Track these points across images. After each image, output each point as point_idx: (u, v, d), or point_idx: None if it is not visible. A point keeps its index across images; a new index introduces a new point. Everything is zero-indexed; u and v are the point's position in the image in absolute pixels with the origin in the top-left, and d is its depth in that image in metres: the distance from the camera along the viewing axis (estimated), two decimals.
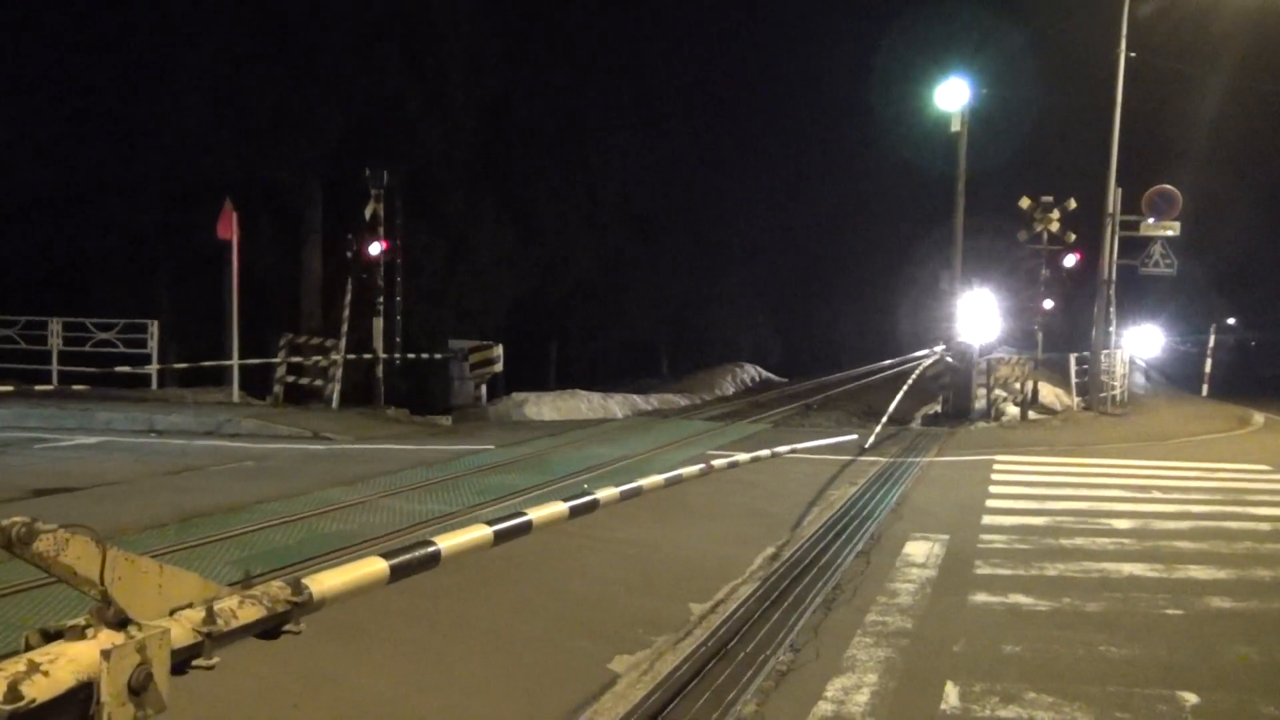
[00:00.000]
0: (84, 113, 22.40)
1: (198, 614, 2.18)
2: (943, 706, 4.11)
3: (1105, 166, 17.88)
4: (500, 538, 3.60)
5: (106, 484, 8.87)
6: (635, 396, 26.82)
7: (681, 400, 28.55)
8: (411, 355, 19.06)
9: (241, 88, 22.41)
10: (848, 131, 51.74)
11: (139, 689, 1.95)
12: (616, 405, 24.49)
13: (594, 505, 4.59)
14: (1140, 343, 32.40)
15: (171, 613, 2.15)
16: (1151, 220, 17.85)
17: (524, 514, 3.92)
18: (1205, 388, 26.66)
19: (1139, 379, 27.89)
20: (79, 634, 1.93)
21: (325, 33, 23.27)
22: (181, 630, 2.12)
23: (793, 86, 53.32)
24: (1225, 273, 53.24)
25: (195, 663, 2.17)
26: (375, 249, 17.21)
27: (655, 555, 6.73)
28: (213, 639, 2.18)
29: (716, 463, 8.89)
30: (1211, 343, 27.54)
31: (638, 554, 6.72)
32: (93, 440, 11.99)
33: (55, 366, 16.38)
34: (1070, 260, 20.88)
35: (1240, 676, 4.53)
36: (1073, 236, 20.53)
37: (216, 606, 2.23)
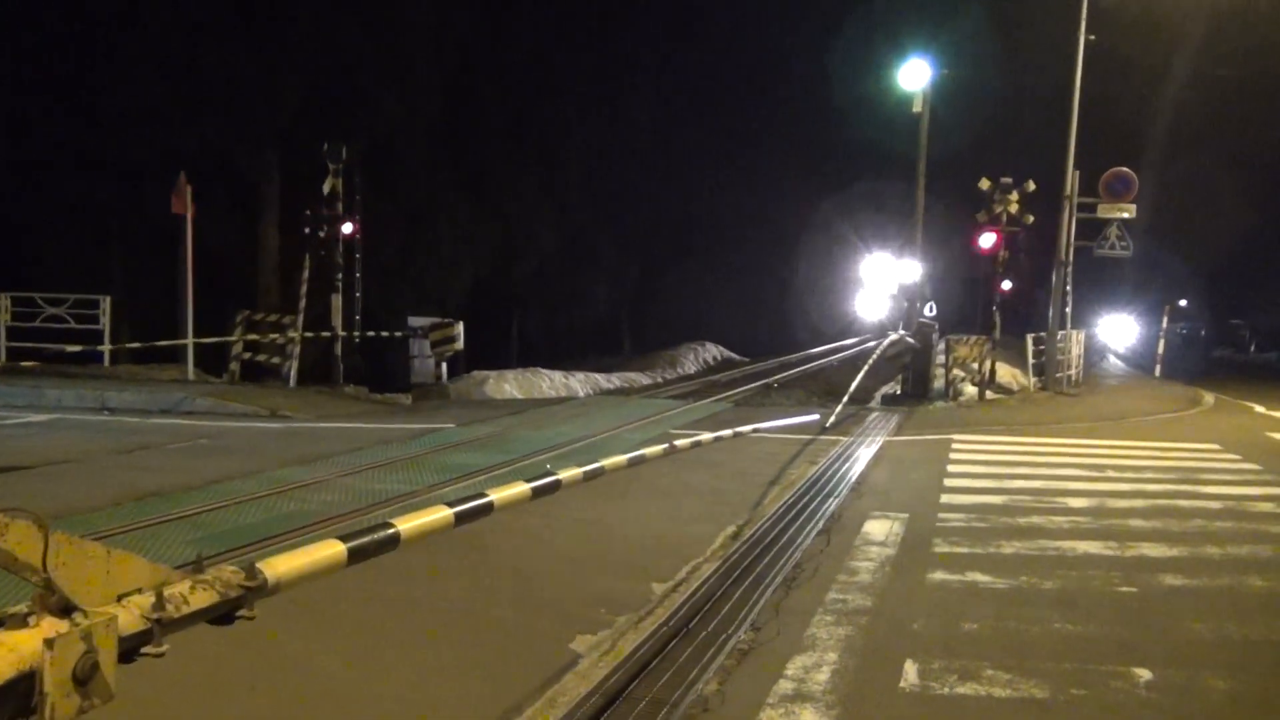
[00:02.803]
0: (34, 83, 21.83)
1: (147, 600, 2.11)
2: (902, 684, 4.14)
3: (1064, 149, 18.05)
4: (461, 519, 3.55)
5: (57, 463, 8.69)
6: (597, 375, 26.78)
7: (643, 379, 28.58)
8: (371, 333, 18.86)
9: (196, 58, 21.93)
10: (810, 113, 51.73)
11: (84, 678, 1.88)
12: (578, 383, 24.45)
13: (556, 485, 4.55)
14: (1114, 331, 32.77)
15: (119, 599, 2.09)
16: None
17: (485, 495, 3.87)
18: (1158, 369, 27.17)
19: (1109, 363, 28.03)
20: (20, 622, 1.86)
21: (284, 2, 22.81)
22: (129, 617, 2.06)
23: (755, 66, 53.13)
24: (1196, 260, 54.12)
25: (144, 650, 2.11)
26: (347, 228, 16.99)
27: (617, 535, 6.72)
28: (162, 625, 2.12)
29: (679, 442, 8.88)
30: (1164, 323, 28.04)
31: (599, 533, 6.71)
32: (43, 418, 11.74)
33: (4, 343, 16.01)
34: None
35: (1191, 652, 4.61)
36: (1031, 218, 20.72)
37: (166, 592, 2.17)
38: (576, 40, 36.75)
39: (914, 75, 19.13)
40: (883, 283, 36.81)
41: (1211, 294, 56.51)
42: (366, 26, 24.75)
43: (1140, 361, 32.83)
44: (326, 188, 16.92)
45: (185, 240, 15.83)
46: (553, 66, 35.07)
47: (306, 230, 17.34)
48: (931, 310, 20.09)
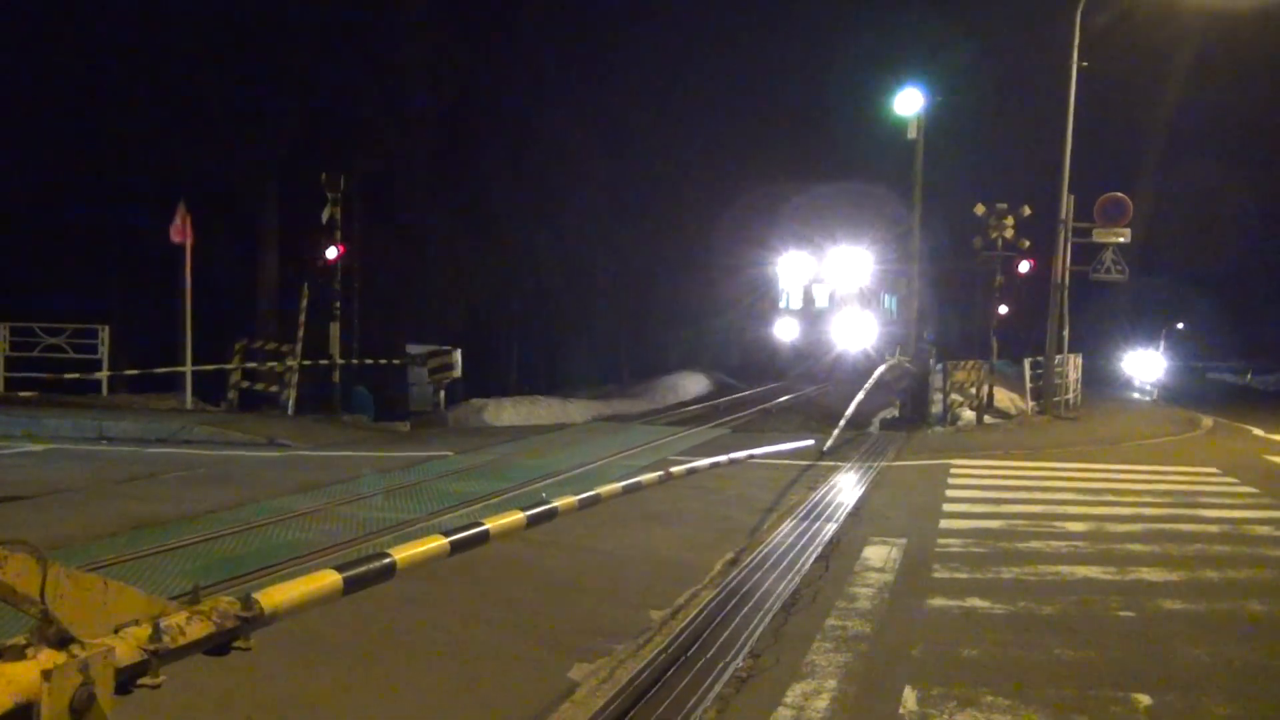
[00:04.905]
0: (33, 112, 21.96)
1: (143, 631, 2.12)
2: (901, 711, 4.12)
3: (1059, 174, 18.15)
4: (457, 548, 3.56)
5: (55, 492, 8.67)
6: (595, 402, 26.78)
7: (641, 405, 28.54)
8: (369, 360, 18.87)
9: (196, 88, 22.08)
10: (808, 139, 52.00)
11: (81, 710, 1.89)
12: (576, 411, 24.43)
13: (552, 514, 4.56)
14: (1141, 365, 32.19)
15: (116, 630, 2.09)
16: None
17: (481, 523, 3.88)
18: (1155, 392, 27.22)
19: (1136, 395, 27.57)
20: (18, 654, 1.87)
21: (282, 32, 23.00)
22: (126, 648, 2.06)
23: (753, 95, 53.58)
24: (1197, 280, 54.34)
25: (141, 681, 2.11)
26: (331, 253, 17.00)
27: (615, 562, 6.70)
28: (159, 657, 2.12)
29: (676, 469, 8.87)
30: (1161, 347, 28.18)
31: (597, 561, 6.70)
32: (41, 448, 11.72)
33: (1, 373, 16.00)
34: (1024, 267, 20.93)
35: (1191, 677, 4.60)
36: (1027, 243, 20.82)
37: (163, 623, 2.17)
38: (573, 69, 37.03)
39: (908, 102, 19.25)
40: (804, 282, 29.83)
41: (1210, 315, 56.66)
42: (365, 57, 24.95)
43: (1166, 395, 32.11)
44: (325, 216, 16.97)
45: (184, 268, 15.87)
46: (549, 95, 35.31)
47: (305, 258, 17.39)
48: (928, 335, 20.10)
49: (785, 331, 30.79)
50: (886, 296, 29.53)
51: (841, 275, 23.07)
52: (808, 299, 28.40)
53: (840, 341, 23.10)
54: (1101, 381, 32.27)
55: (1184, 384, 35.35)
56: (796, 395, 26.81)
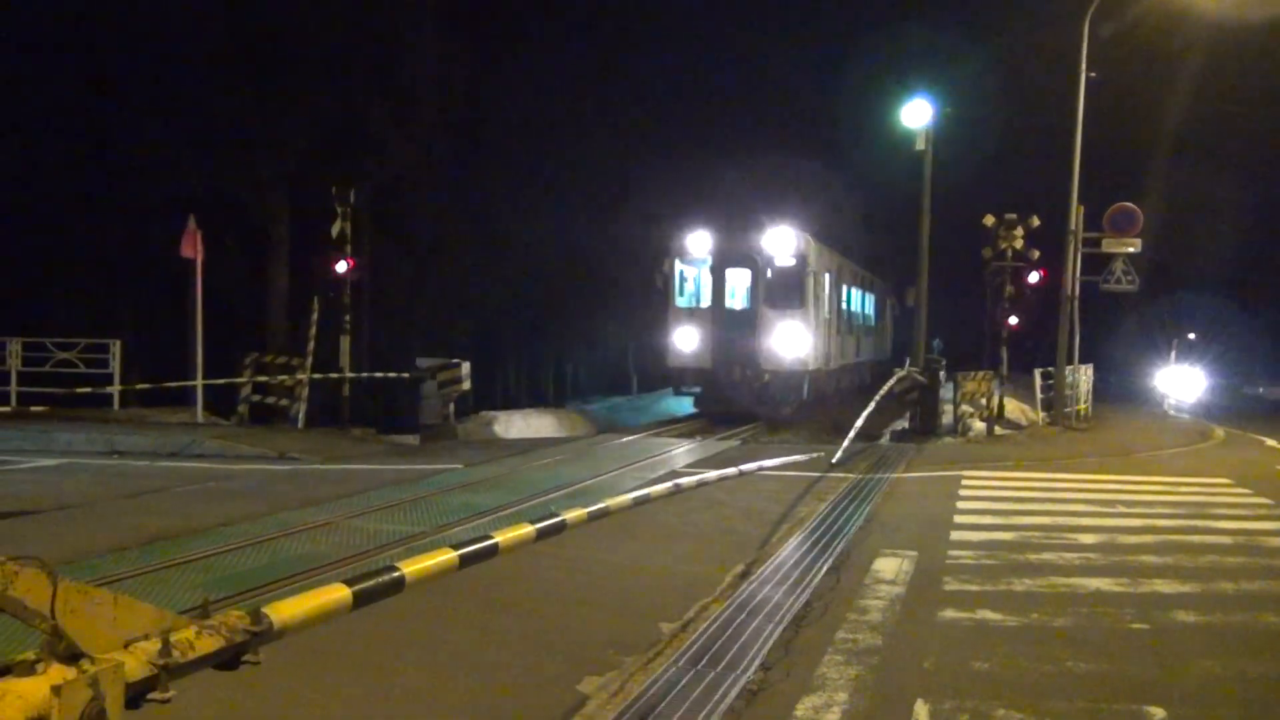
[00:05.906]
0: (45, 127, 22.13)
1: (153, 646, 2.12)
2: None
3: (1068, 185, 18.11)
4: (466, 561, 3.56)
5: (66, 507, 8.70)
6: (605, 413, 26.74)
7: (651, 417, 28.51)
8: (379, 374, 18.90)
9: (206, 103, 22.23)
10: (816, 148, 52.05)
11: None
12: (585, 423, 24.43)
13: (561, 527, 4.56)
14: (1177, 382, 31.13)
15: (126, 645, 2.10)
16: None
17: (490, 537, 3.88)
18: (1167, 403, 27.08)
19: (1172, 412, 26.99)
20: (28, 669, 1.87)
21: (291, 47, 23.15)
22: (136, 663, 2.07)
23: (761, 106, 53.63)
24: (1208, 288, 53.91)
25: (150, 696, 2.12)
26: (341, 267, 17.06)
27: (625, 575, 6.69)
28: (169, 671, 2.13)
29: (684, 481, 8.87)
30: (1173, 358, 28.02)
31: (607, 574, 6.68)
32: (53, 462, 11.76)
33: (14, 387, 16.09)
34: (1036, 277, 20.89)
35: (1205, 690, 4.56)
36: (1037, 254, 20.77)
37: (173, 638, 2.18)
38: (582, 79, 37.13)
39: (916, 114, 19.24)
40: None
41: (1248, 329, 56.05)
42: (375, 71, 25.08)
43: (1204, 412, 31.07)
44: (335, 230, 17.03)
45: (195, 283, 15.94)
46: (559, 106, 35.41)
47: (315, 272, 17.46)
48: (938, 345, 20.01)
49: (684, 341, 21.01)
50: (858, 293, 28.27)
51: (776, 259, 18.38)
52: (719, 295, 20.34)
53: (770, 357, 18.78)
54: (1136, 399, 31.70)
55: (1219, 401, 34.93)
56: (805, 406, 26.71)
